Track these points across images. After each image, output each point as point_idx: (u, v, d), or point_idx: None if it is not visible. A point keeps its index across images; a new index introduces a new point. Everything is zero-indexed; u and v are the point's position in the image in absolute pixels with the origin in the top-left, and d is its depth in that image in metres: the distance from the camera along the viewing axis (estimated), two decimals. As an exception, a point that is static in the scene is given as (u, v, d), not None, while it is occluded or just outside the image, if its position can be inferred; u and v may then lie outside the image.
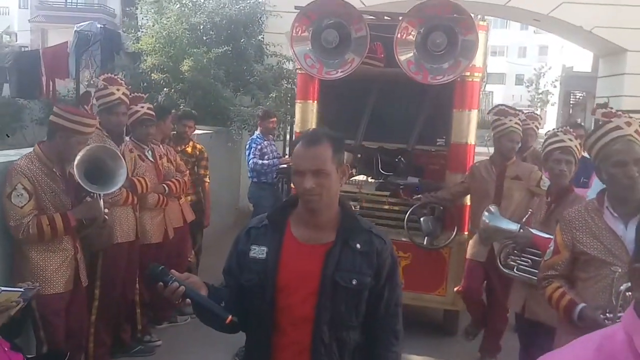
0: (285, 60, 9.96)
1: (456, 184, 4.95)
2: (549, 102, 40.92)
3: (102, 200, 3.58)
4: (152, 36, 8.81)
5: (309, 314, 2.01)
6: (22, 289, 2.63)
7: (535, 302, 3.50)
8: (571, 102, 28.62)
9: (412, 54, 4.80)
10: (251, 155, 7.02)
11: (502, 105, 5.01)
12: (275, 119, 7.44)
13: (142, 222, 4.62)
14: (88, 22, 8.92)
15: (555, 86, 36.16)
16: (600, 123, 2.73)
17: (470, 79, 4.97)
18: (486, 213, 4.06)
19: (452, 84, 4.90)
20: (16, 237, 3.37)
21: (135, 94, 4.81)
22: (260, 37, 9.93)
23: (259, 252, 2.07)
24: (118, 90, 4.24)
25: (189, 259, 5.78)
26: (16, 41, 32.62)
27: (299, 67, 5.21)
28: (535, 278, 3.26)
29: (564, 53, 33.92)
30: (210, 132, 8.17)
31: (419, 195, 5.04)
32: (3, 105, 12.22)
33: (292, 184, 5.24)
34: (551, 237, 3.10)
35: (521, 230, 3.72)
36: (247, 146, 7.20)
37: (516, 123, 4.58)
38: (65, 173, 3.56)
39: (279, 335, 2.04)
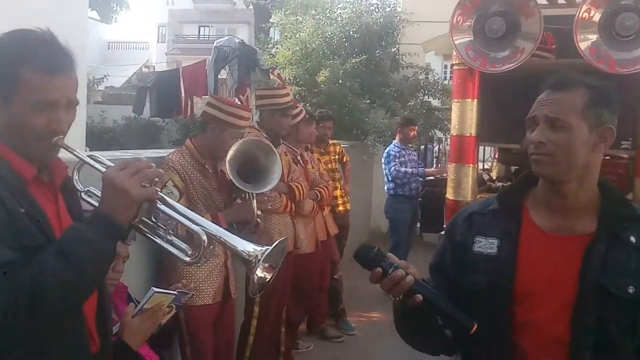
0: (422, 71, 9.48)
1: None
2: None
3: (255, 201, 3.21)
4: (289, 49, 8.69)
5: (563, 334, 1.44)
6: (175, 292, 2.29)
7: None
8: None
9: (594, 39, 4.10)
10: (392, 164, 6.44)
11: None
12: (416, 127, 6.86)
13: (296, 230, 4.25)
14: (227, 37, 8.93)
15: None
16: None
17: (667, 68, 4.15)
18: None
19: (642, 74, 4.12)
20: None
21: None
22: (395, 48, 9.53)
23: (487, 245, 1.55)
24: (291, 91, 3.98)
25: (335, 276, 5.34)
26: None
27: (457, 61, 4.66)
28: None
29: None
30: (345, 146, 7.83)
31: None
32: (144, 126, 12.77)
33: (446, 195, 4.81)
34: None
35: None
36: (385, 155, 6.66)
37: None
38: (217, 170, 3.25)
39: None
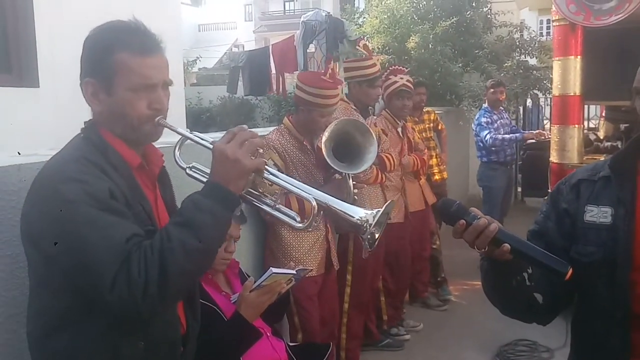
0: (516, 30, 9.03)
1: None
2: None
3: (351, 180, 3.22)
4: (376, 17, 8.54)
5: None
6: (294, 271, 2.35)
7: None
8: None
9: None
10: (486, 131, 6.09)
11: None
12: (503, 89, 6.42)
13: (386, 200, 4.22)
14: (313, 10, 8.93)
15: None
16: None
17: None
18: None
19: None
20: (264, 216, 3.13)
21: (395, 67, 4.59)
22: (487, 7, 9.12)
23: (599, 214, 1.45)
24: (378, 61, 3.93)
25: (434, 246, 5.29)
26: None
27: (557, 17, 4.40)
28: None
29: None
30: (440, 112, 7.66)
31: None
32: (239, 105, 13.11)
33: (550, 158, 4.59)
34: None
35: None
36: (476, 123, 6.32)
37: None
38: (314, 146, 3.28)
39: None
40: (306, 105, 3.18)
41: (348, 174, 3.25)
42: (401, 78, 4.44)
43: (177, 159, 1.62)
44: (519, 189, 8.94)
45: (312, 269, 2.82)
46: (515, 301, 1.51)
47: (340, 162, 3.19)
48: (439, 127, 5.97)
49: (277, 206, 1.59)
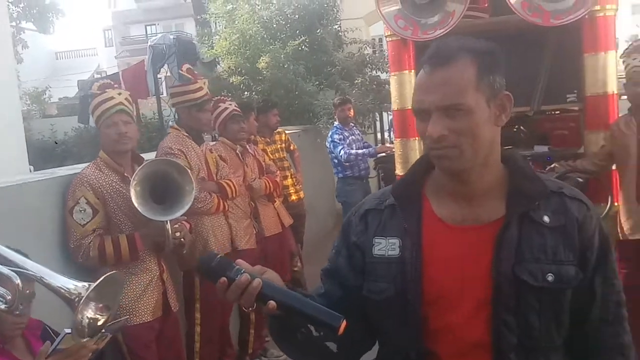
0: (367, 46, 9.28)
1: (597, 151, 4.00)
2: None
3: (169, 225, 2.94)
4: (226, 39, 8.41)
5: (482, 337, 1.24)
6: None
7: None
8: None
9: (525, -8, 3.95)
10: (339, 146, 6.18)
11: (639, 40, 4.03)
12: (350, 105, 6.54)
13: (232, 229, 4.03)
14: (161, 34, 8.63)
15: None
16: None
17: (602, 13, 4.01)
18: None
19: (579, 23, 3.99)
20: (75, 260, 2.80)
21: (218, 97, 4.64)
22: (336, 26, 9.30)
23: (388, 247, 1.32)
24: (205, 84, 3.73)
25: (295, 268, 5.17)
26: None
27: (388, 33, 4.46)
28: None
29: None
30: (297, 131, 7.64)
31: (553, 165, 4.14)
32: (95, 135, 12.36)
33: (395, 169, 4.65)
34: None
35: None
36: (329, 140, 6.38)
37: None
38: None
39: None
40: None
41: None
42: (230, 104, 4.42)
43: None
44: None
45: (127, 317, 2.55)
46: (306, 354, 1.35)
47: (159, 204, 2.94)
48: (291, 148, 5.92)
49: None
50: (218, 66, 8.88)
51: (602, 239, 1.31)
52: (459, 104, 1.20)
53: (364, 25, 10.26)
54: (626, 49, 3.98)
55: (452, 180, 1.30)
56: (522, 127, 4.71)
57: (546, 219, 1.26)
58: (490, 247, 1.25)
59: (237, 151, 4.41)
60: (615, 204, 4.03)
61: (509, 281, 1.23)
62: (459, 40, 1.28)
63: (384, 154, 6.12)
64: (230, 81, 8.43)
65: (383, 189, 1.46)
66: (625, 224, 3.76)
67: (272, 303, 1.19)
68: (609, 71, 4.10)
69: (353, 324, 1.24)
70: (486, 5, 4.38)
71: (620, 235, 3.82)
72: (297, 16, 8.70)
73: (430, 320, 1.28)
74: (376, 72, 9.23)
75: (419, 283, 1.27)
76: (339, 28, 9.30)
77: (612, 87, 4.13)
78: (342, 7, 9.31)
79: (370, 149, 6.38)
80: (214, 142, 4.39)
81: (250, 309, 1.23)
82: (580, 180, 4.07)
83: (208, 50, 8.80)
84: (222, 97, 4.68)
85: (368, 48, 9.19)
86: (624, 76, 3.83)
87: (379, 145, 7.54)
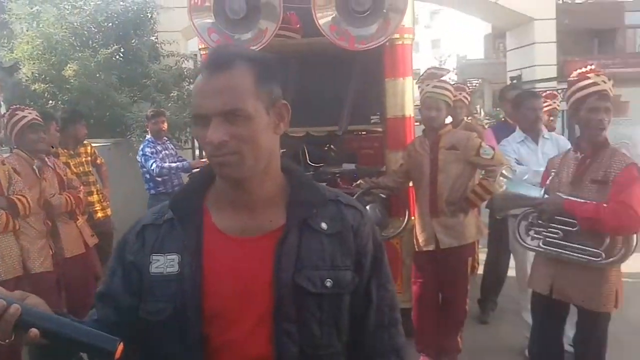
0: (185, 60, 9.11)
1: (396, 169, 4.31)
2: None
3: None
4: (28, 42, 7.70)
5: (265, 351, 1.24)
6: None
7: (566, 281, 3.04)
8: (469, 89, 28.96)
9: (333, 16, 4.14)
10: (151, 160, 5.87)
11: (432, 68, 4.41)
12: (164, 118, 6.30)
13: (24, 250, 3.66)
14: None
15: (455, 74, 36.88)
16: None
17: (401, 42, 4.36)
18: (503, 178, 3.49)
19: (381, 49, 4.28)
20: None
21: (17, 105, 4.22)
22: (153, 37, 9.01)
23: (166, 264, 1.26)
24: None
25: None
26: None
27: (202, 45, 4.41)
28: (569, 253, 2.96)
29: (456, 42, 34.95)
30: (107, 144, 7.21)
31: (359, 181, 4.37)
32: None
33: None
34: (587, 201, 2.83)
35: (546, 196, 3.15)
36: (140, 154, 6.05)
37: (434, 87, 3.96)
38: None
39: None
40: None
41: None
42: (30, 113, 4.08)
43: None
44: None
45: None
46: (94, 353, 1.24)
47: None
48: (97, 161, 5.57)
49: None
50: (19, 71, 8.09)
51: (376, 246, 1.37)
52: (240, 110, 1.19)
53: (182, 38, 10.08)
54: (420, 75, 4.35)
55: (234, 188, 1.28)
56: (332, 146, 4.93)
57: (324, 225, 1.30)
58: (271, 257, 1.24)
59: (35, 166, 4.03)
60: (412, 217, 4.37)
61: (289, 290, 1.23)
62: (236, 47, 1.28)
63: (198, 169, 5.99)
64: (33, 88, 7.72)
65: (164, 202, 1.38)
66: (420, 236, 4.06)
67: (34, 331, 1.07)
68: (406, 96, 4.45)
69: (131, 351, 1.16)
70: (298, 26, 4.52)
71: (416, 247, 4.12)
72: (110, 24, 8.25)
73: (211, 338, 1.24)
74: (194, 87, 9.09)
75: (199, 299, 1.23)
76: (156, 40, 9.01)
77: (410, 110, 4.50)
78: (160, 19, 9.02)
79: (184, 162, 6.18)
80: (8, 155, 4.00)
81: (7, 340, 1.08)
82: (383, 195, 4.36)
83: (7, 53, 8.01)
84: (21, 106, 4.25)
85: (187, 62, 8.99)
86: (419, 101, 4.16)
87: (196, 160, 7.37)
